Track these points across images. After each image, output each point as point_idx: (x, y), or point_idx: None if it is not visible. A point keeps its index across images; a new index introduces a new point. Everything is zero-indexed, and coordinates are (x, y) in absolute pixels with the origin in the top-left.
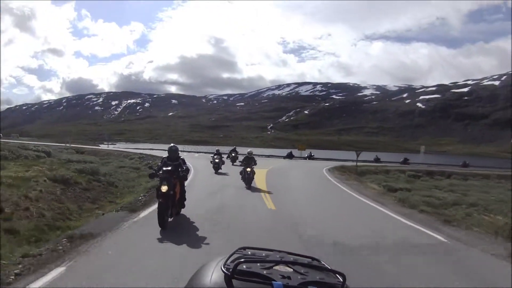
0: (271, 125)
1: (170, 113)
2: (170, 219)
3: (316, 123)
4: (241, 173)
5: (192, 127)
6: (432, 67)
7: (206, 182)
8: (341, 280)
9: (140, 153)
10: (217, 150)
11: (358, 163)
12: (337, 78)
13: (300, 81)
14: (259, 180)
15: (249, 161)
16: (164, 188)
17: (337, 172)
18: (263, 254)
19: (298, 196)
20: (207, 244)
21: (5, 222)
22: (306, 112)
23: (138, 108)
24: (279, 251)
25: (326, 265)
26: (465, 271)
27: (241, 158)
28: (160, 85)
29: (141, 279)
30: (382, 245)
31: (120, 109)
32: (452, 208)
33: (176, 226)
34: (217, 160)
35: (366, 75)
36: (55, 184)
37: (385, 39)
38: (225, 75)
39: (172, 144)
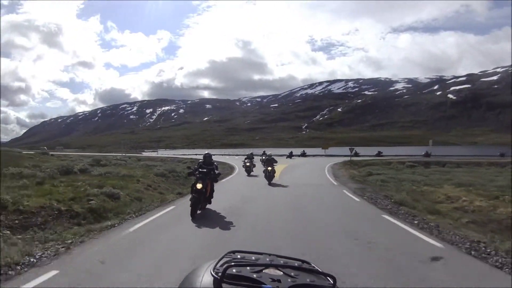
0: (306, 124)
1: (205, 118)
2: (199, 212)
3: (350, 120)
4: (264, 171)
5: (228, 131)
6: (462, 56)
7: (241, 180)
8: (331, 282)
9: (190, 159)
10: (249, 154)
11: (367, 157)
12: (368, 73)
13: (331, 78)
14: (277, 173)
15: (270, 161)
16: (199, 186)
17: (338, 165)
18: (253, 258)
19: (298, 181)
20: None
21: (149, 191)
22: (339, 109)
23: (173, 114)
24: (269, 254)
25: (316, 268)
26: (331, 190)
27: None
28: (192, 91)
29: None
30: (317, 182)
31: (155, 117)
32: (389, 182)
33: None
34: (248, 164)
35: (396, 68)
36: (159, 177)
37: (413, 30)
38: (257, 77)
39: (206, 152)
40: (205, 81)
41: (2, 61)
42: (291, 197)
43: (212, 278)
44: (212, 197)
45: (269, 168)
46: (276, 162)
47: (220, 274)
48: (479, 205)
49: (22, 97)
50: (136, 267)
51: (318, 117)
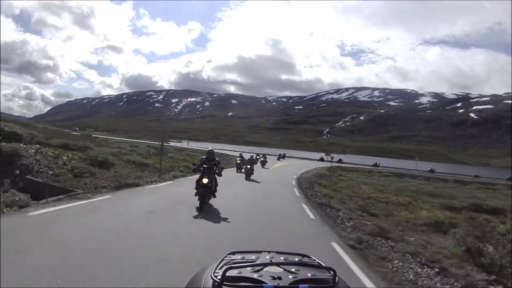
0: (328, 129)
1: (230, 113)
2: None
3: (371, 129)
4: (245, 168)
5: (251, 129)
6: (490, 75)
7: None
8: (332, 274)
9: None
10: (240, 154)
11: (356, 165)
12: (395, 83)
13: (358, 85)
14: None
15: (252, 162)
16: (205, 180)
17: (318, 168)
18: (253, 257)
19: (269, 179)
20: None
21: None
22: (361, 118)
23: (198, 106)
24: (269, 252)
25: (317, 261)
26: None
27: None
28: (219, 84)
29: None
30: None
31: (180, 107)
32: (343, 181)
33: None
34: (238, 161)
35: (424, 81)
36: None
37: (444, 44)
38: (284, 76)
39: (210, 148)
40: (232, 76)
41: (33, 38)
42: (257, 186)
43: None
44: (216, 191)
45: (249, 166)
46: (256, 163)
47: (219, 277)
48: (368, 193)
49: (49, 75)
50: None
51: (340, 123)
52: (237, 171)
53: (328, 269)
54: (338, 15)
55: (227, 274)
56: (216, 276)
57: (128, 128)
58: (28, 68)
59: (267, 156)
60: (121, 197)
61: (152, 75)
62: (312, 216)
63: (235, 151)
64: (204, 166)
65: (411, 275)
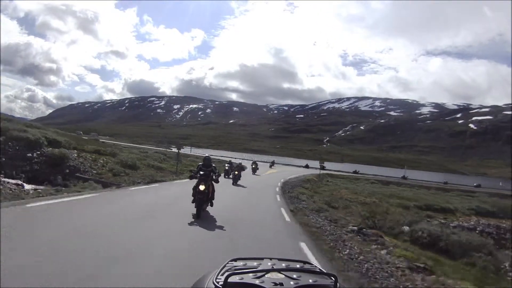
0: (328, 138)
1: (231, 120)
2: (203, 211)
3: (371, 139)
4: (232, 174)
5: (252, 136)
6: (492, 86)
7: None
8: (333, 281)
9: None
10: (230, 161)
11: (343, 173)
12: (397, 93)
13: (359, 95)
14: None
15: (240, 169)
16: (202, 187)
17: (310, 174)
18: (255, 263)
19: (255, 185)
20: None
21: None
22: (362, 127)
23: (200, 113)
24: (271, 259)
25: (318, 268)
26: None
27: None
28: (221, 92)
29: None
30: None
31: (181, 113)
32: (328, 185)
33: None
34: (236, 172)
35: (425, 91)
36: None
37: (446, 55)
38: (286, 85)
39: (206, 155)
40: (234, 83)
41: (36, 41)
42: (243, 189)
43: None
44: (213, 198)
45: (236, 173)
46: (244, 170)
47: (221, 283)
48: (343, 194)
49: (52, 78)
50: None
51: (340, 132)
52: (225, 177)
53: (329, 275)
54: (341, 24)
55: (229, 280)
56: (218, 282)
57: (130, 133)
58: (31, 70)
59: (262, 163)
60: (159, 187)
61: (154, 81)
62: (278, 200)
63: (235, 158)
64: (201, 172)
65: (315, 221)
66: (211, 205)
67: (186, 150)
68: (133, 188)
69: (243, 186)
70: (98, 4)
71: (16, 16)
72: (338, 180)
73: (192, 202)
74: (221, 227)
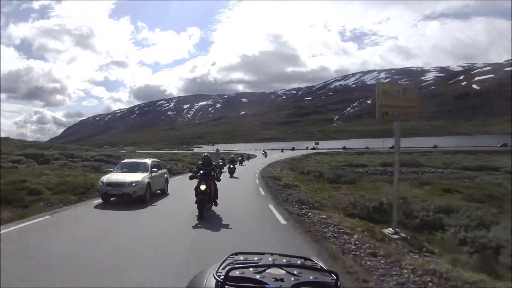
0: (337, 117)
1: (242, 112)
2: (205, 211)
3: None
4: (227, 167)
5: (264, 125)
6: (493, 42)
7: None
8: (334, 278)
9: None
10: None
11: (332, 150)
12: (401, 62)
13: (363, 68)
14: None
15: (233, 162)
16: (203, 187)
17: (300, 155)
18: (256, 258)
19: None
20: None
21: None
22: (369, 102)
23: (210, 109)
24: (272, 254)
25: (319, 264)
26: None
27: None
28: (226, 85)
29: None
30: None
31: (192, 112)
32: (304, 162)
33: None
34: (231, 166)
35: (429, 56)
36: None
37: (445, 17)
38: (289, 69)
39: (205, 153)
40: (238, 75)
41: (36, 64)
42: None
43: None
44: (217, 197)
45: (231, 166)
46: (237, 163)
47: (222, 277)
48: (310, 165)
49: (58, 97)
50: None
51: (349, 109)
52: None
53: (331, 272)
54: (336, 1)
55: (230, 274)
56: (219, 276)
57: (147, 140)
58: (36, 93)
59: (273, 151)
60: None
61: (159, 84)
62: (259, 170)
63: (250, 150)
64: (201, 172)
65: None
66: (215, 205)
67: (204, 148)
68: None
69: (236, 177)
70: (91, 19)
71: (12, 43)
72: (320, 156)
73: (195, 203)
74: (226, 226)
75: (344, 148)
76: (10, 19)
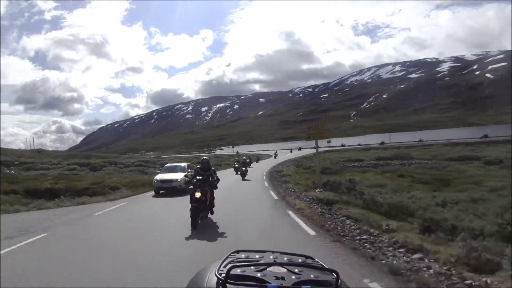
0: (354, 112)
1: (260, 112)
2: (199, 221)
3: (394, 106)
4: (239, 170)
5: (281, 124)
6: (506, 28)
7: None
8: (335, 277)
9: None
10: (244, 159)
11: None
12: (415, 53)
13: (378, 62)
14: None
15: (245, 164)
16: (197, 195)
17: (310, 152)
18: (257, 256)
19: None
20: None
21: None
22: (384, 96)
23: (228, 111)
24: (273, 252)
25: (320, 263)
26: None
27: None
28: (243, 86)
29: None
30: None
31: (210, 114)
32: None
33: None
34: (243, 168)
35: (442, 46)
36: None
37: (456, 5)
38: (305, 66)
39: (204, 157)
40: (254, 75)
41: (52, 74)
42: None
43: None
44: (213, 205)
45: (243, 168)
46: (249, 166)
47: (224, 275)
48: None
49: (76, 106)
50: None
51: (365, 104)
52: (236, 173)
53: (331, 271)
54: None
55: (231, 272)
56: (220, 274)
57: (167, 144)
58: (53, 103)
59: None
60: None
61: (176, 88)
62: (269, 167)
63: (267, 150)
64: (198, 178)
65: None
66: (211, 213)
67: (224, 151)
68: None
69: (248, 180)
70: (104, 27)
71: (26, 55)
72: (328, 154)
73: (190, 210)
74: (222, 234)
75: (359, 145)
76: (22, 31)
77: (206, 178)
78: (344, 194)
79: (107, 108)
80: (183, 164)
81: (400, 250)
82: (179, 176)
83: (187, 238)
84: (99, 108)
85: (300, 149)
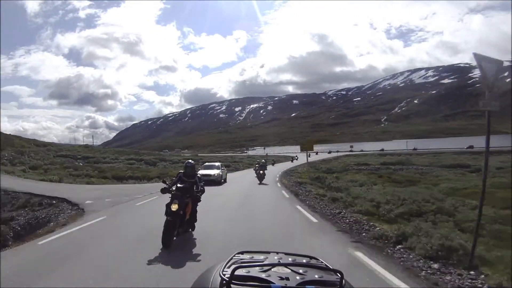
0: (385, 117)
1: (293, 114)
2: (174, 238)
3: (425, 111)
4: (257, 173)
5: (314, 127)
6: None
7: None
8: (339, 277)
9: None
10: (261, 162)
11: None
12: (449, 58)
13: (411, 66)
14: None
15: (262, 167)
16: (174, 207)
17: (331, 156)
18: (261, 257)
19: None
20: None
21: None
22: (415, 101)
23: (261, 111)
24: (277, 253)
25: (324, 263)
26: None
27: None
28: (276, 86)
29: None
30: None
31: (244, 115)
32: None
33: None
34: (261, 172)
35: (476, 51)
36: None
37: (490, 9)
38: (338, 69)
39: (188, 160)
40: (287, 76)
41: (86, 71)
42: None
43: (221, 280)
44: (195, 220)
45: (261, 172)
46: (266, 168)
47: (228, 275)
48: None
49: (110, 102)
50: None
51: (396, 109)
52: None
53: (335, 271)
54: None
55: (236, 273)
56: (224, 275)
57: (201, 143)
58: (87, 99)
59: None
60: None
61: (209, 87)
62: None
63: (296, 153)
64: (178, 185)
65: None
66: (192, 229)
67: (257, 151)
68: None
69: (265, 184)
70: (138, 26)
71: (61, 52)
72: (346, 158)
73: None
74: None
75: (382, 150)
76: (57, 29)
77: (189, 188)
78: (320, 183)
79: (141, 105)
80: (217, 164)
81: (314, 194)
82: (214, 172)
83: (149, 262)
84: (132, 105)
85: (330, 152)
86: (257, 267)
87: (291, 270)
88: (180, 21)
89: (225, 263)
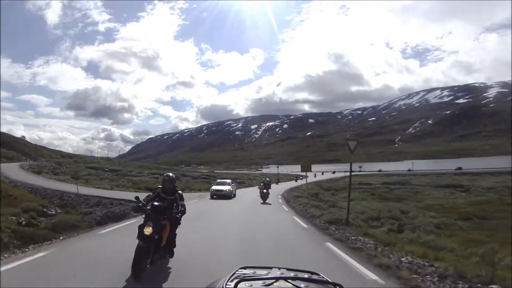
0: (399, 137)
1: (308, 133)
2: (148, 266)
3: (439, 131)
4: (260, 192)
5: (328, 146)
6: None
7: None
8: None
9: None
10: (265, 180)
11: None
12: (464, 78)
13: (426, 86)
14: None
15: (266, 186)
16: (148, 230)
17: (335, 177)
18: (264, 272)
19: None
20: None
21: None
22: (429, 121)
23: (277, 130)
24: (279, 268)
25: (325, 278)
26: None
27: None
28: (292, 105)
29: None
30: None
31: (260, 132)
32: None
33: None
34: (264, 191)
35: (491, 70)
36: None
37: (505, 28)
38: (354, 88)
39: (168, 174)
40: (303, 95)
41: (104, 83)
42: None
43: None
44: (174, 245)
45: (265, 190)
46: (270, 187)
47: None
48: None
49: (126, 115)
50: None
51: (410, 129)
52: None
53: (336, 285)
54: (395, 18)
55: (239, 286)
56: None
57: (217, 159)
58: (104, 111)
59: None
60: None
61: (226, 104)
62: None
63: (307, 172)
64: (154, 204)
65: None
66: (171, 256)
67: (270, 169)
68: None
69: (268, 203)
70: (157, 41)
71: (79, 65)
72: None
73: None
74: None
75: (379, 170)
76: (76, 41)
77: (166, 207)
78: (316, 198)
79: (157, 120)
80: (228, 180)
81: (300, 203)
82: (226, 187)
83: None
84: (148, 119)
85: (334, 172)
86: (260, 281)
87: (293, 284)
88: (198, 38)
89: (227, 277)
